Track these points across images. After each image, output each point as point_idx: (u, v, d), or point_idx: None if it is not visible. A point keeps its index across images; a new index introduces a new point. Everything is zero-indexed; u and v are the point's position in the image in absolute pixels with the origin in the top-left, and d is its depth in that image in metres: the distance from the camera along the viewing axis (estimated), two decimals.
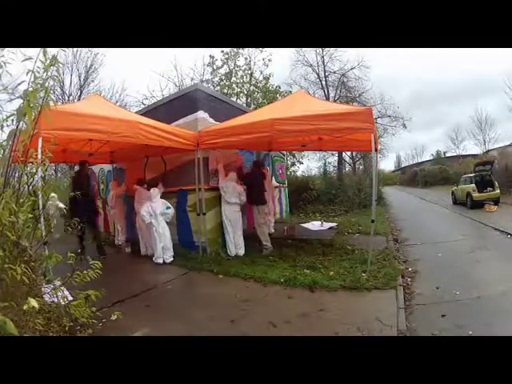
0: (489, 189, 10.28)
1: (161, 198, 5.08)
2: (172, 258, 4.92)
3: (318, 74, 17.37)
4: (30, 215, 2.12)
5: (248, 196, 5.21)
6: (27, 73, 1.89)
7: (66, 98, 17.33)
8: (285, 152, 10.23)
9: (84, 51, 17.60)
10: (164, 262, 4.84)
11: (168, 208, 4.97)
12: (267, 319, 2.80)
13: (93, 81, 18.46)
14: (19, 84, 1.89)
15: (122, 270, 4.64)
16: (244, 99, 13.77)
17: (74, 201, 3.95)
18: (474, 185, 10.49)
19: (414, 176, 31.94)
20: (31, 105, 1.85)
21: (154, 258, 4.91)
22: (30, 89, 1.89)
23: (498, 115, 36.98)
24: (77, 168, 5.82)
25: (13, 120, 1.89)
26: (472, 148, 31.40)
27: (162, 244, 4.88)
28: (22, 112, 1.82)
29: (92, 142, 4.98)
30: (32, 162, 2.18)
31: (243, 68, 14.24)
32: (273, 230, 6.47)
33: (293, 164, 14.61)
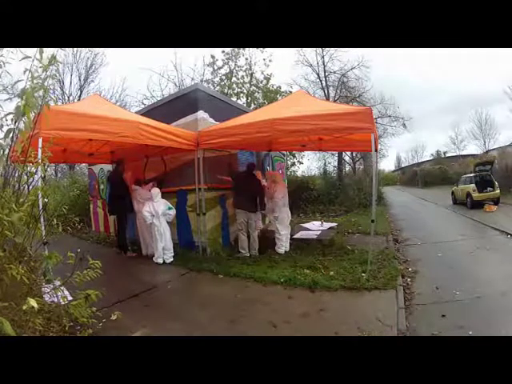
0: (489, 189, 10.29)
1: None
2: (172, 258, 4.91)
3: (318, 74, 17.35)
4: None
5: (235, 198, 5.24)
6: (24, 72, 1.89)
7: (66, 98, 17.37)
8: (285, 152, 10.23)
9: (84, 51, 17.65)
10: (164, 262, 4.84)
11: (170, 209, 4.99)
12: (267, 319, 2.80)
13: (93, 81, 18.55)
14: (16, 82, 1.88)
15: (122, 270, 4.64)
16: (244, 99, 13.76)
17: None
18: (473, 185, 10.50)
19: (414, 176, 31.92)
20: (29, 104, 1.85)
21: (154, 258, 4.91)
22: (28, 87, 1.88)
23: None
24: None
25: (12, 119, 1.88)
26: (472, 148, 31.48)
27: (163, 244, 4.88)
28: (21, 111, 1.81)
29: (92, 142, 4.98)
30: (32, 162, 2.18)
31: (244, 68, 14.24)
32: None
33: (293, 164, 14.60)
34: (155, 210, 4.82)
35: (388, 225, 8.11)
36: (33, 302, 1.52)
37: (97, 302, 2.42)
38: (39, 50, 1.85)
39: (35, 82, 1.91)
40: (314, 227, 7.37)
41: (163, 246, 4.89)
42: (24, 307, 1.55)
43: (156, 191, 4.96)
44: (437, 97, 55.04)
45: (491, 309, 2.88)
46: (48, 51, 1.91)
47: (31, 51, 1.82)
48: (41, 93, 1.96)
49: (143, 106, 11.01)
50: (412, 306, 3.09)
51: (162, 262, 4.84)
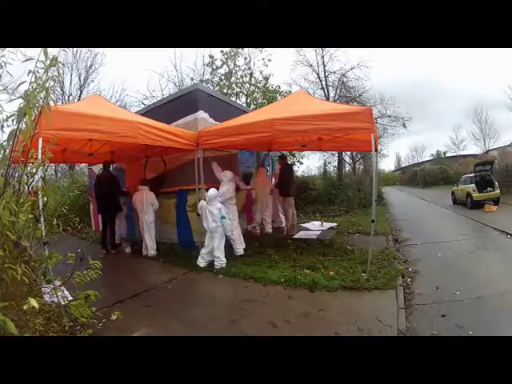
0: (489, 189, 10.27)
1: (160, 197, 5.09)
2: (155, 252, 5.32)
3: (318, 74, 17.31)
4: (31, 215, 2.13)
5: None
6: (28, 73, 1.89)
7: (66, 98, 17.35)
8: (285, 152, 10.22)
9: (84, 51, 17.63)
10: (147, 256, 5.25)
11: (223, 218, 4.45)
12: (267, 319, 2.80)
13: (93, 81, 18.52)
14: (20, 84, 1.88)
15: (122, 270, 4.65)
16: (244, 99, 13.75)
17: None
18: (473, 185, 10.48)
19: (414, 176, 31.89)
20: (31, 105, 1.85)
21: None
22: (31, 89, 1.89)
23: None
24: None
25: (13, 120, 1.89)
26: (472, 148, 31.43)
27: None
28: (23, 112, 1.82)
29: (92, 141, 4.98)
30: (32, 163, 2.18)
31: (243, 68, 14.23)
32: (270, 231, 6.51)
33: (293, 164, 14.59)
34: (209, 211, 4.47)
35: (388, 225, 8.10)
36: (33, 302, 1.52)
37: (97, 302, 2.43)
38: (43, 51, 1.85)
39: (38, 83, 1.91)
40: (314, 227, 7.37)
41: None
42: (24, 307, 1.55)
43: (213, 193, 4.51)
44: (451, 99, 55.54)
45: (491, 309, 2.88)
46: (49, 51, 1.91)
47: (31, 51, 1.82)
48: (42, 94, 1.96)
49: (143, 106, 11.01)
50: (412, 306, 3.09)
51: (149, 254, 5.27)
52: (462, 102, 58.32)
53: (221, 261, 4.40)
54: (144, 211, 5.30)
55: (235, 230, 4.94)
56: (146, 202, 5.27)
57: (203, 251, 4.57)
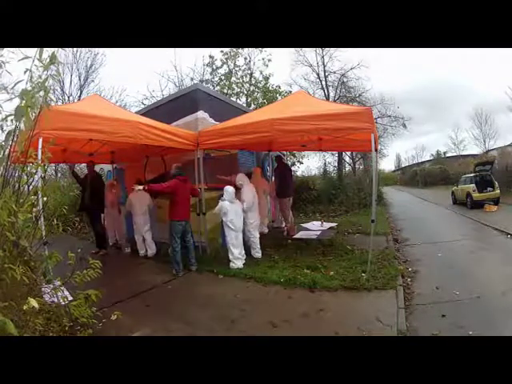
0: (489, 189, 10.28)
1: (160, 197, 5.08)
2: (153, 252, 5.40)
3: (317, 74, 17.33)
4: (30, 215, 2.12)
5: None
6: (24, 72, 1.88)
7: (66, 98, 17.33)
8: (285, 152, 10.22)
9: (84, 51, 17.61)
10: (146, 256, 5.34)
11: None
12: (267, 319, 2.81)
13: (93, 81, 18.48)
14: (17, 83, 1.87)
15: (122, 270, 4.65)
16: (244, 99, 13.75)
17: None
18: (473, 185, 10.49)
19: (414, 176, 31.90)
20: (28, 104, 1.84)
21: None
22: (29, 88, 1.88)
23: None
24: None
25: (12, 120, 1.88)
26: (472, 148, 31.34)
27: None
28: (21, 112, 1.81)
29: (92, 142, 4.97)
30: (32, 162, 2.18)
31: (243, 68, 14.23)
32: (266, 231, 6.52)
33: (293, 164, 14.59)
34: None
35: (388, 225, 8.09)
36: (33, 302, 1.52)
37: (97, 302, 2.42)
38: (39, 50, 1.85)
39: (36, 82, 1.91)
40: (314, 227, 7.37)
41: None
42: (24, 307, 1.55)
43: (231, 189, 4.54)
44: (464, 100, 55.68)
45: (491, 309, 2.88)
46: (48, 51, 1.90)
47: (31, 51, 1.82)
48: (41, 93, 1.95)
49: (143, 106, 11.00)
50: (412, 306, 3.09)
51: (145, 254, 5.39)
52: (472, 103, 58.45)
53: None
54: (141, 211, 5.32)
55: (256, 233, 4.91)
56: (142, 202, 5.28)
57: (236, 252, 4.49)
